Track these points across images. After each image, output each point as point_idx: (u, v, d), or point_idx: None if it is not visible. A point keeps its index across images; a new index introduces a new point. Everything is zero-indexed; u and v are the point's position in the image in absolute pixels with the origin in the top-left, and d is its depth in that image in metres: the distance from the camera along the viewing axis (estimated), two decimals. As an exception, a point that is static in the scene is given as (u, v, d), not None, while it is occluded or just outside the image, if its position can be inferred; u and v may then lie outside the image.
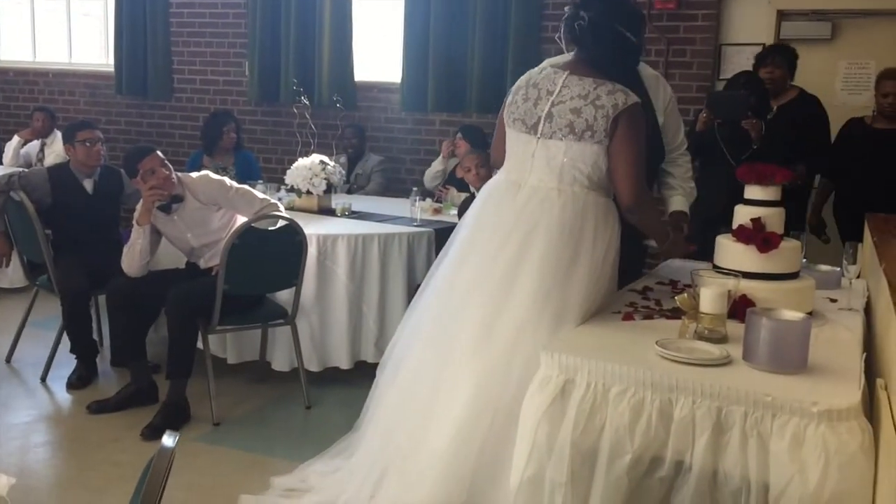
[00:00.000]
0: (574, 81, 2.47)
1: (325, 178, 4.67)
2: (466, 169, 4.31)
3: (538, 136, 2.49)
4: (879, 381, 1.97)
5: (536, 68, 2.63)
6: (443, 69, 5.92)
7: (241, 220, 3.76)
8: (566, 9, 2.53)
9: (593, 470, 1.99)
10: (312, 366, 4.03)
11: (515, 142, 2.58)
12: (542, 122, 2.48)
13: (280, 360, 4.08)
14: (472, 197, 3.89)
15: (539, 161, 2.49)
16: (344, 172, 5.22)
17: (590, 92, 2.43)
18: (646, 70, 3.12)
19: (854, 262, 2.70)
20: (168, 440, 1.33)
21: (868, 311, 2.69)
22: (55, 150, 5.90)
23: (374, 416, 2.73)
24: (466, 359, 2.42)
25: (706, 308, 2.21)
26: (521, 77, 2.63)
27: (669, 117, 2.99)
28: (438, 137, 6.14)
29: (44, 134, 6.16)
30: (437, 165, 5.41)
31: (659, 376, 1.96)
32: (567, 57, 2.64)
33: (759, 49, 5.25)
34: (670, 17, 5.40)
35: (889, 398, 1.82)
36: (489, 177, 4.09)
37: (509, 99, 2.61)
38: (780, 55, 4.49)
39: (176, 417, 3.52)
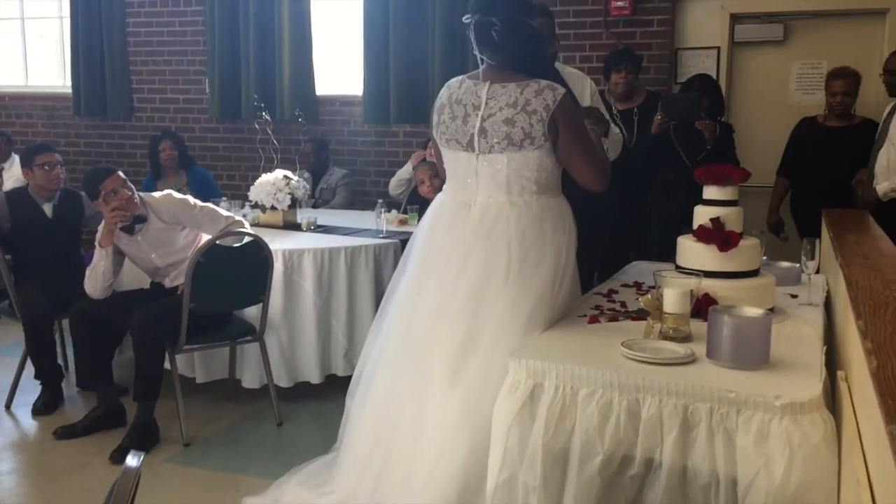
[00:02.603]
0: (498, 91, 2.41)
1: (289, 193, 4.65)
2: (420, 181, 4.33)
3: (476, 152, 2.44)
4: (840, 374, 2.01)
5: (454, 81, 2.55)
6: (404, 80, 5.95)
7: (205, 238, 3.74)
8: (467, 19, 2.45)
9: (565, 472, 2.01)
10: (282, 381, 4.01)
11: (454, 161, 2.53)
12: (475, 138, 2.43)
13: (249, 378, 4.05)
14: None
15: (483, 178, 2.45)
16: (308, 187, 5.20)
17: (517, 98, 2.38)
18: (567, 69, 3.24)
19: (812, 258, 2.75)
20: (132, 460, 1.32)
21: (828, 305, 2.75)
22: (13, 174, 5.80)
23: (348, 446, 2.68)
24: (445, 385, 2.38)
25: (670, 308, 2.24)
26: (441, 93, 2.56)
27: (596, 105, 3.18)
28: (402, 149, 6.16)
29: (1, 158, 6.07)
30: (403, 174, 5.40)
31: (626, 377, 1.99)
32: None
33: (713, 52, 5.37)
34: (626, 23, 5.47)
35: (849, 390, 1.86)
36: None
37: (435, 119, 2.55)
38: (631, 61, 4.63)
39: (145, 439, 3.48)
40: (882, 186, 4.07)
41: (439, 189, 4.21)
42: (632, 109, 4.57)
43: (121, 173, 3.70)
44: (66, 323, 4.03)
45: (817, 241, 2.75)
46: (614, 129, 3.23)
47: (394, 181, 5.46)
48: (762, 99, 5.43)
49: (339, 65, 6.51)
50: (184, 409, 3.59)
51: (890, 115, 4.32)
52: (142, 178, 5.98)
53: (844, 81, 4.49)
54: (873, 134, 4.36)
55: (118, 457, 3.36)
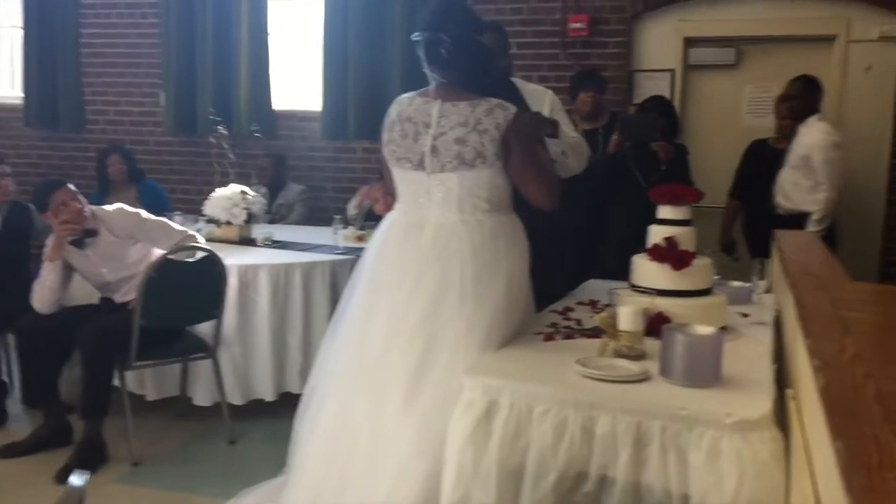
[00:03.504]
0: (449, 109, 2.40)
1: (245, 208, 4.61)
2: (374, 199, 4.30)
3: (428, 171, 2.43)
4: (789, 392, 2.04)
5: (404, 98, 2.55)
6: (363, 97, 5.94)
7: (158, 252, 3.68)
8: (416, 37, 2.44)
9: (520, 490, 2.00)
10: (235, 399, 3.96)
11: (405, 180, 2.51)
12: (427, 157, 2.42)
13: (202, 395, 3.99)
14: None
15: (435, 197, 2.43)
16: (265, 202, 5.16)
17: (468, 117, 2.38)
18: (528, 86, 3.25)
19: (762, 278, 2.80)
20: (76, 479, 1.28)
21: (777, 324, 2.79)
22: (-40, 185, 5.66)
23: (299, 471, 2.60)
24: (401, 407, 2.34)
25: (624, 326, 2.26)
26: (391, 110, 2.55)
27: (558, 117, 3.14)
28: (361, 165, 6.15)
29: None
30: (351, 210, 5.37)
31: (580, 395, 1.99)
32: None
33: (668, 74, 5.46)
34: (583, 44, 5.55)
35: (798, 407, 1.89)
36: None
37: (385, 136, 2.53)
38: (598, 80, 4.73)
39: (92, 458, 3.40)
40: (812, 228, 4.24)
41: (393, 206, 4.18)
42: (597, 129, 4.62)
43: (71, 186, 3.63)
44: (12, 338, 3.93)
45: (767, 261, 2.80)
46: (571, 134, 3.21)
47: (348, 210, 5.44)
48: (715, 121, 5.54)
49: (297, 80, 6.49)
50: (133, 428, 3.52)
51: (792, 138, 4.48)
52: (93, 190, 5.88)
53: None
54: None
55: (64, 476, 3.26)
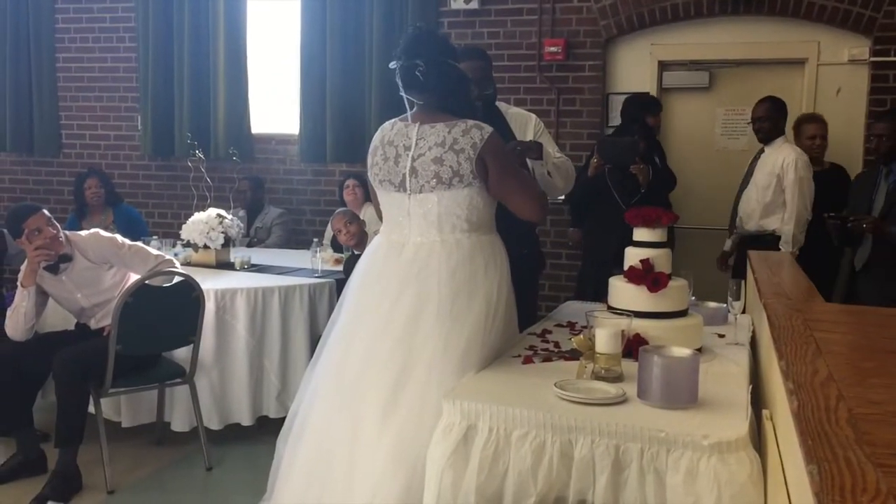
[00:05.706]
0: (427, 131, 2.48)
1: (222, 232, 4.59)
2: (337, 230, 4.29)
3: (408, 192, 2.49)
4: (765, 412, 2.05)
5: (387, 124, 2.62)
6: (340, 119, 5.96)
7: (134, 277, 3.65)
8: (393, 65, 2.54)
9: (498, 515, 2.00)
10: (213, 424, 3.92)
11: (388, 202, 2.59)
12: (407, 178, 2.48)
13: (179, 421, 3.95)
14: (355, 256, 3.90)
15: (415, 217, 2.49)
16: (243, 226, 5.15)
17: (445, 137, 2.45)
18: (511, 109, 3.34)
19: (738, 298, 2.82)
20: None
21: (753, 344, 2.81)
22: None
23: (281, 493, 2.59)
24: (377, 424, 2.35)
25: (602, 348, 2.27)
26: (375, 136, 2.63)
27: (543, 140, 3.22)
28: (338, 188, 6.15)
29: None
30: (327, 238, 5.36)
31: (558, 418, 1.99)
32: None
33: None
34: (559, 67, 5.60)
35: (774, 428, 1.90)
36: (360, 232, 4.14)
37: (370, 161, 2.61)
38: (659, 107, 4.77)
39: (66, 487, 3.34)
40: (787, 248, 4.30)
41: (357, 233, 4.23)
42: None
43: (45, 211, 3.60)
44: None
45: (742, 281, 2.82)
46: (556, 154, 3.26)
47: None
48: (690, 143, 5.60)
49: (275, 103, 6.49)
50: (108, 455, 3.47)
51: (755, 159, 4.55)
52: (70, 214, 5.84)
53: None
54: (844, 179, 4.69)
55: (37, 506, 3.22)
